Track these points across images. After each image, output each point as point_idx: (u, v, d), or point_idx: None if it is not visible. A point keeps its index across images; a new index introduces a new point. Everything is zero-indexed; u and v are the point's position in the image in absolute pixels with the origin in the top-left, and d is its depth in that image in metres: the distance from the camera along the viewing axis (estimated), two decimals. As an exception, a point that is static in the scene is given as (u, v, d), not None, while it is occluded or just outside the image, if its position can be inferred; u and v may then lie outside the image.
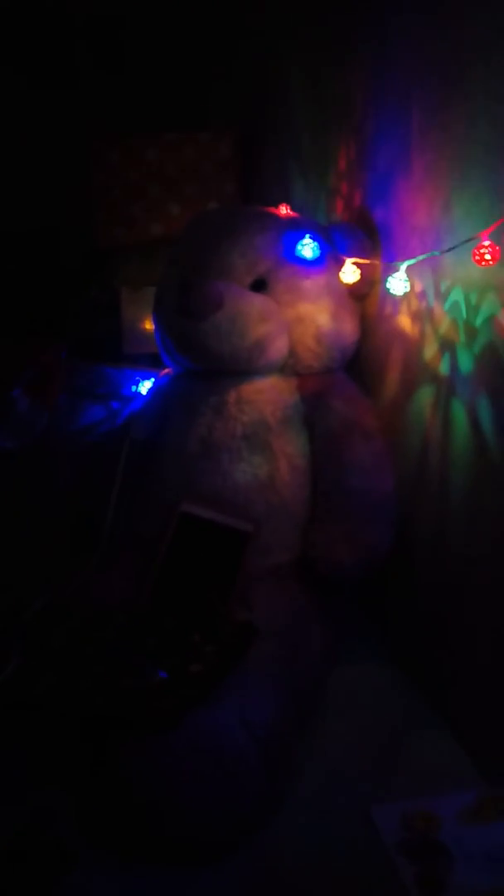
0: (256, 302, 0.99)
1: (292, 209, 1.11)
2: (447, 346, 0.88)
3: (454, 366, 0.87)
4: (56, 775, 0.79)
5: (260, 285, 1.01)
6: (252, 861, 0.72)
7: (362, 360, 1.08)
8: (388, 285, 0.88)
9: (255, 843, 0.74)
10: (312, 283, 1.01)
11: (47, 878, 0.69)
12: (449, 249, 0.79)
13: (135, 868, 0.72)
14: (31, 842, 0.72)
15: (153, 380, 1.18)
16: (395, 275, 0.87)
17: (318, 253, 1.00)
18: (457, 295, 0.85)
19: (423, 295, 0.92)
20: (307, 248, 1.00)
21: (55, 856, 0.71)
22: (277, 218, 1.05)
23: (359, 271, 0.98)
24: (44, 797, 0.78)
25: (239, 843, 0.74)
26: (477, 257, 0.72)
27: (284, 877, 0.71)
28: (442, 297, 0.88)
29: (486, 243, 0.71)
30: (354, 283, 1.01)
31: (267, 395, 1.03)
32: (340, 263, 1.00)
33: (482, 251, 0.71)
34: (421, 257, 0.85)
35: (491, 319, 0.79)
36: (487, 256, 0.71)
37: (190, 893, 0.70)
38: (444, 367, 0.89)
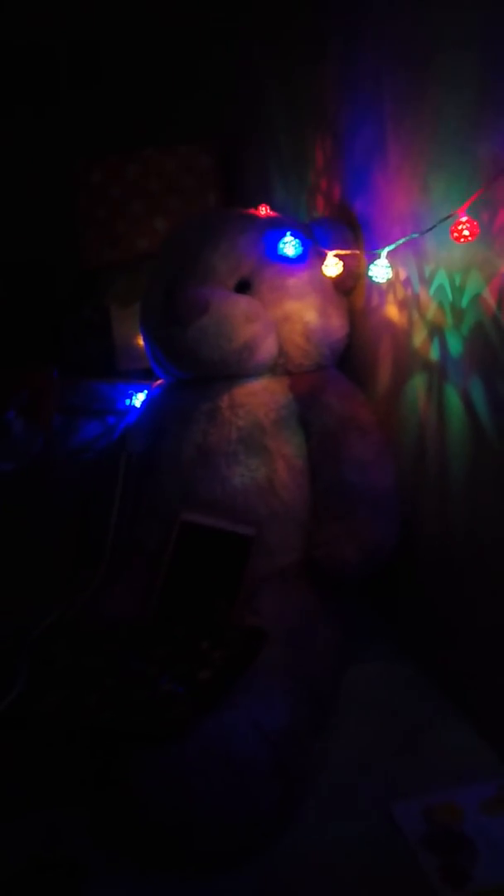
0: (242, 303, 0.99)
1: (275, 212, 1.10)
2: (436, 331, 0.87)
3: (444, 350, 0.86)
4: (67, 790, 0.78)
5: (244, 286, 1.01)
6: (272, 864, 0.71)
7: (353, 354, 1.07)
8: (370, 273, 0.87)
9: (275, 846, 0.72)
10: (297, 280, 1.01)
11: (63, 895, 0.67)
12: (428, 230, 0.78)
13: (152, 879, 0.71)
14: (44, 860, 0.71)
15: (146, 392, 1.18)
16: (377, 262, 0.86)
17: (300, 250, 1.00)
18: (441, 278, 0.84)
19: (408, 282, 0.91)
20: (289, 245, 0.99)
21: (69, 873, 0.69)
22: (257, 218, 1.05)
23: (341, 264, 0.98)
24: (55, 814, 0.76)
25: (257, 847, 0.72)
26: (455, 234, 0.71)
27: (306, 878, 0.69)
28: (427, 281, 0.87)
29: (464, 219, 0.70)
30: (339, 277, 1.00)
31: (260, 397, 1.02)
32: (323, 259, 0.99)
33: (460, 227, 0.70)
34: (401, 241, 0.84)
35: (476, 298, 0.78)
36: (466, 232, 0.70)
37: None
38: (434, 353, 0.88)
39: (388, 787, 0.77)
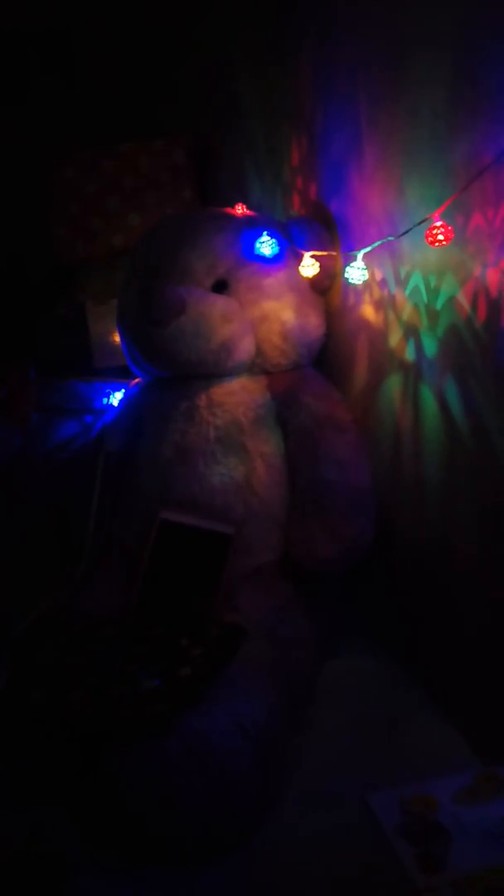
0: (219, 303, 0.99)
1: (250, 208, 1.11)
2: (411, 331, 0.88)
3: (419, 351, 0.87)
4: (52, 787, 0.79)
5: (221, 286, 1.01)
6: (253, 856, 0.72)
7: (330, 353, 1.08)
8: (346, 275, 0.88)
9: (255, 839, 0.74)
10: (274, 280, 1.01)
11: (48, 890, 0.68)
12: (403, 234, 0.79)
13: (136, 872, 0.72)
14: (29, 855, 0.71)
15: (123, 391, 1.18)
16: (353, 264, 0.87)
17: (276, 250, 1.01)
18: (416, 280, 0.85)
19: (384, 283, 0.92)
20: (266, 245, 1.00)
21: (54, 868, 0.70)
22: (233, 218, 1.05)
23: (318, 264, 0.99)
24: (40, 810, 0.77)
25: (238, 840, 0.73)
26: (430, 238, 0.72)
27: (286, 869, 0.71)
28: (402, 283, 0.88)
29: (438, 224, 0.71)
30: (316, 277, 1.01)
31: (238, 396, 1.03)
32: (300, 258, 1.00)
33: (435, 232, 0.71)
34: (377, 243, 0.85)
35: (451, 300, 0.79)
36: (440, 237, 0.71)
37: (193, 893, 0.70)
38: (409, 354, 0.89)
39: (365, 778, 0.78)
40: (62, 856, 0.73)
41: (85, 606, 0.96)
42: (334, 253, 1.00)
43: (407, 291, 0.87)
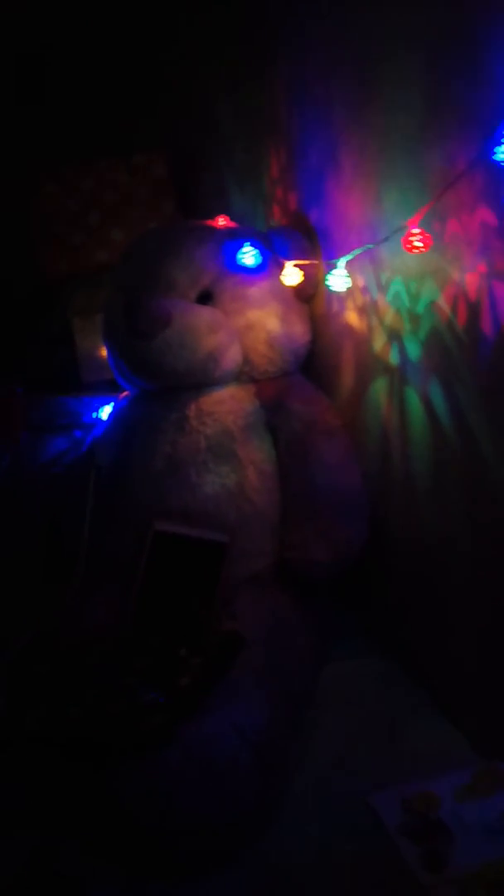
0: (204, 314, 1.00)
1: (233, 220, 1.12)
2: (394, 336, 0.89)
3: (403, 355, 0.88)
4: (54, 804, 0.78)
5: (206, 298, 1.02)
6: (257, 860, 0.73)
7: (316, 359, 1.10)
8: (328, 283, 0.90)
9: (259, 843, 0.74)
10: (258, 289, 1.03)
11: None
12: (381, 241, 0.81)
13: (140, 885, 0.72)
14: (33, 874, 0.71)
15: (112, 404, 1.18)
16: (335, 272, 0.88)
17: (259, 259, 1.02)
18: (397, 285, 0.86)
19: (366, 289, 0.93)
20: (248, 255, 1.01)
21: (58, 886, 0.70)
22: (215, 230, 1.07)
23: (301, 273, 1.00)
24: (42, 827, 0.77)
25: (241, 847, 0.74)
26: (408, 245, 0.73)
27: (290, 872, 0.71)
28: (384, 288, 0.89)
29: (416, 231, 0.73)
30: (299, 285, 1.02)
31: (227, 404, 1.04)
32: (282, 268, 1.01)
33: (412, 239, 0.73)
34: (357, 251, 0.86)
35: (432, 305, 0.81)
36: (418, 243, 0.73)
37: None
38: (394, 358, 0.91)
39: (367, 779, 0.79)
40: (66, 873, 0.73)
41: (81, 621, 0.96)
42: (316, 261, 1.01)
43: (389, 297, 0.89)
